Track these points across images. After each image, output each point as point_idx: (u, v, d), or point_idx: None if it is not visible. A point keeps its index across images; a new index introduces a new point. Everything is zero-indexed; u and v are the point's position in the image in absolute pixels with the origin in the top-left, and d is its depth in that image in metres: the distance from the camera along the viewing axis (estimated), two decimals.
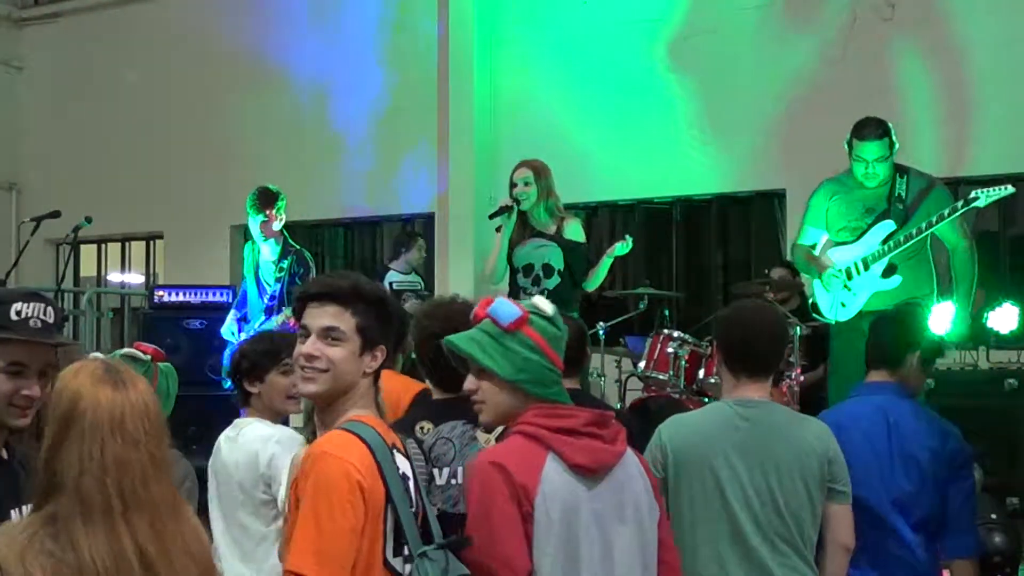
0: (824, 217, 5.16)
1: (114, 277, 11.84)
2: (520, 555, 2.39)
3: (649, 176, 8.49)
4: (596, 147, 8.58)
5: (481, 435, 3.58)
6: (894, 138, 4.97)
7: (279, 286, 6.33)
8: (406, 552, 2.38)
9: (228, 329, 6.63)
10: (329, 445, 2.34)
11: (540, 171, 5.78)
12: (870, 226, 4.99)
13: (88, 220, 7.09)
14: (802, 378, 6.38)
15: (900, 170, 5.02)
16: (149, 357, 3.63)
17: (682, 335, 6.30)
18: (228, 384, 6.40)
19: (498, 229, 5.91)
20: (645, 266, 8.67)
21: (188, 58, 10.71)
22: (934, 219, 4.83)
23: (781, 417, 3.28)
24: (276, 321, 6.25)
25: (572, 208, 7.08)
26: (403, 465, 2.49)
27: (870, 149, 4.92)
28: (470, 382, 2.60)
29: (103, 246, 11.76)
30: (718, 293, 8.56)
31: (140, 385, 2.09)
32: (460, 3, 8.86)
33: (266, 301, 6.40)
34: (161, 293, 8.37)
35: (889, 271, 4.95)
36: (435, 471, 3.48)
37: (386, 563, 2.35)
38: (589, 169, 8.51)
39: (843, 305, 5.11)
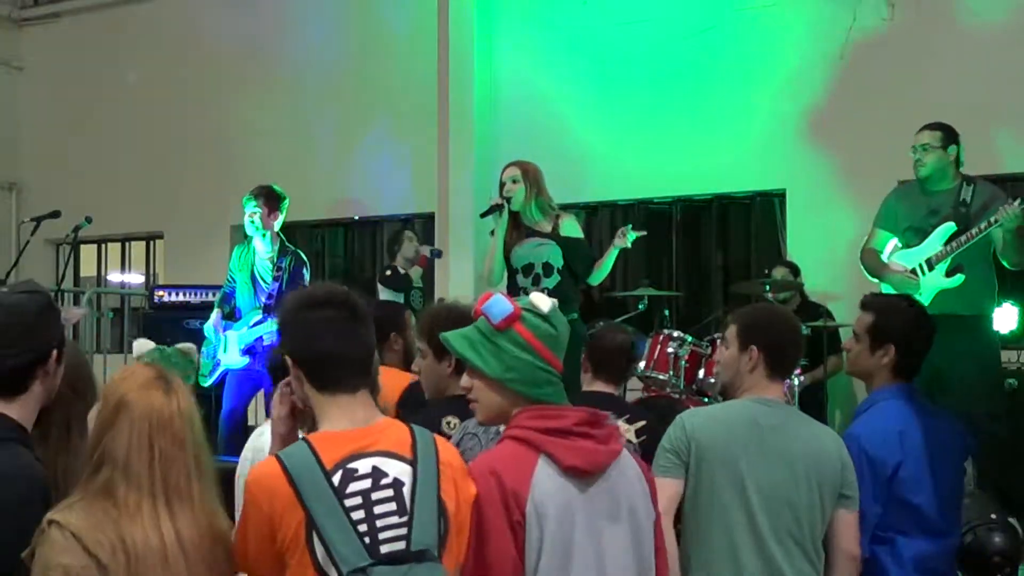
0: (894, 219, 5.39)
1: (114, 277, 11.82)
2: (507, 568, 2.34)
3: (649, 176, 8.47)
4: (596, 147, 8.58)
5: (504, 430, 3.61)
6: (958, 144, 5.24)
7: (277, 284, 6.35)
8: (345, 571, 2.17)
9: (209, 327, 6.65)
10: (251, 472, 2.34)
11: (528, 170, 5.77)
12: (933, 227, 5.20)
13: (88, 220, 7.09)
14: (802, 378, 6.39)
15: (967, 180, 5.28)
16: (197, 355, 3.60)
17: (682, 335, 6.31)
18: (204, 383, 6.48)
19: (492, 232, 5.91)
20: (645, 266, 8.65)
21: (188, 58, 10.70)
22: (992, 219, 5.04)
23: (800, 419, 3.32)
24: None
25: (572, 208, 7.08)
26: (364, 467, 2.27)
27: (919, 136, 5.27)
28: (465, 380, 2.59)
29: (103, 246, 11.73)
30: (718, 293, 8.56)
31: (185, 394, 2.27)
32: (460, 3, 8.86)
33: (263, 300, 6.40)
34: (161, 293, 8.40)
35: (953, 271, 5.14)
36: None
37: None
38: (589, 169, 8.51)
39: None
